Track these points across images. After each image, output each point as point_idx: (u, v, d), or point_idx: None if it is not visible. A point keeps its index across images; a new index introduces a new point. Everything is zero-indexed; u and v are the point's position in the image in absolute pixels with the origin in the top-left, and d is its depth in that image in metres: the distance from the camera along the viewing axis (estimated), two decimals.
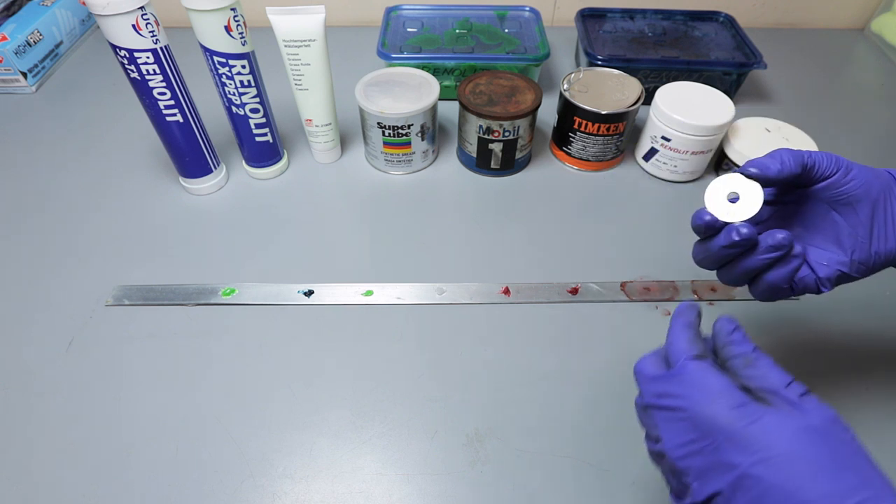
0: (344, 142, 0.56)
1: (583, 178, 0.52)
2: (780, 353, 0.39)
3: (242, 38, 0.41)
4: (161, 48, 0.40)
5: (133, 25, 0.37)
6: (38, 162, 0.53)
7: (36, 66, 0.62)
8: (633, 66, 0.56)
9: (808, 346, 0.39)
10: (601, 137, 0.50)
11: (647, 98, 0.60)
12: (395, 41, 0.59)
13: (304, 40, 0.43)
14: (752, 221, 0.27)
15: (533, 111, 0.48)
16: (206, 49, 0.41)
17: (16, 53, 0.59)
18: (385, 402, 0.36)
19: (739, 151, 0.48)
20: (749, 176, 0.27)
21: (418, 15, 0.64)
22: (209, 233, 0.47)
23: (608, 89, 0.50)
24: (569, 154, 0.52)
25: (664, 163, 0.50)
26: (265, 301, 0.41)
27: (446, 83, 0.59)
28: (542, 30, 0.60)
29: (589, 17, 0.64)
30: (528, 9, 0.64)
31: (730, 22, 0.62)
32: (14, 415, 0.35)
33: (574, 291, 0.42)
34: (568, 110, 0.50)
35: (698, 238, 0.30)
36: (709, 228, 0.28)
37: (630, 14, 0.64)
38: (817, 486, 0.19)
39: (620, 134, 0.50)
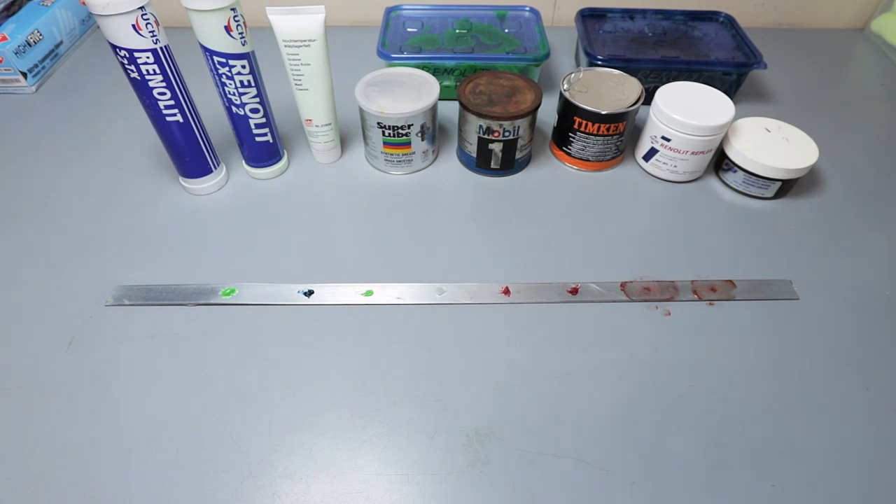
0: (344, 142, 0.56)
1: (583, 178, 0.52)
2: (780, 353, 0.39)
3: (242, 38, 0.41)
4: (161, 48, 0.40)
5: (133, 25, 0.37)
6: (37, 162, 0.53)
7: (36, 66, 0.62)
8: (633, 66, 0.56)
9: (808, 346, 0.39)
10: (601, 137, 0.50)
11: (647, 98, 0.60)
12: (395, 41, 0.59)
13: (304, 40, 0.43)
14: None
15: (533, 111, 0.48)
16: (206, 49, 0.41)
17: (16, 53, 0.59)
18: (385, 402, 0.36)
19: (739, 151, 0.48)
20: None
21: (418, 15, 0.64)
22: (209, 233, 0.47)
23: (608, 89, 0.50)
24: (569, 154, 0.52)
25: (664, 163, 0.50)
26: (265, 301, 0.41)
27: (446, 83, 0.59)
28: (542, 30, 0.60)
29: (589, 17, 0.64)
30: (528, 9, 0.64)
31: (730, 22, 0.62)
32: (14, 415, 0.35)
33: (574, 291, 0.42)
34: (568, 110, 0.50)
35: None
36: None
37: (630, 14, 0.64)
38: None
39: (620, 134, 0.50)
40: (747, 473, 0.33)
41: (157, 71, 0.40)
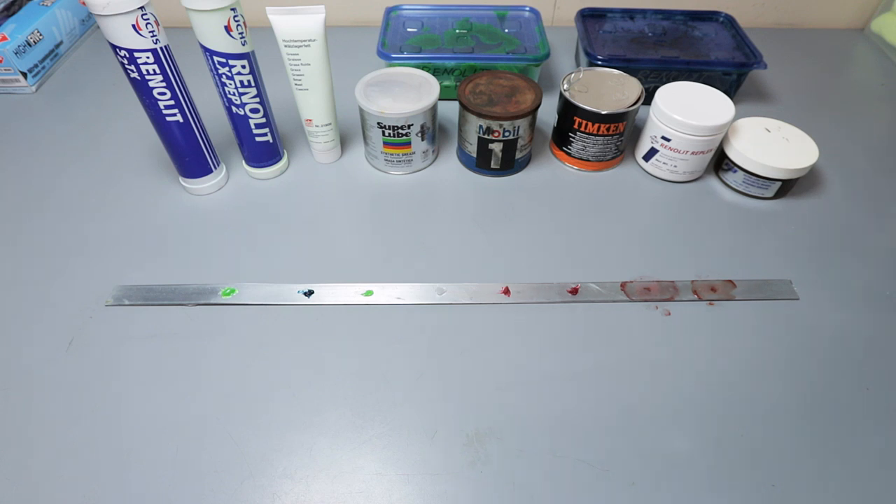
0: (344, 142, 0.56)
1: (583, 178, 0.52)
2: (780, 353, 0.39)
3: (242, 38, 0.41)
4: (161, 48, 0.40)
5: (133, 25, 0.37)
6: (38, 162, 0.53)
7: (36, 66, 0.62)
8: (633, 66, 0.56)
9: (809, 346, 0.39)
10: (601, 137, 0.50)
11: (647, 98, 0.60)
12: (395, 41, 0.59)
13: (304, 40, 0.43)
14: None
15: (533, 111, 0.48)
16: (206, 49, 0.41)
17: (16, 53, 0.59)
18: (385, 402, 0.36)
19: (740, 151, 0.48)
20: None
21: (418, 15, 0.64)
22: (209, 233, 0.47)
23: (608, 89, 0.50)
24: (569, 154, 0.52)
25: (664, 163, 0.50)
26: (265, 301, 0.41)
27: (446, 83, 0.59)
28: (542, 30, 0.60)
29: (589, 17, 0.64)
30: (528, 9, 0.64)
31: (730, 22, 0.62)
32: (14, 415, 0.35)
33: (574, 291, 0.42)
34: (568, 110, 0.50)
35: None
36: None
37: (630, 14, 0.64)
38: None
39: (620, 134, 0.50)
40: (747, 473, 0.33)
41: (157, 71, 0.40)
